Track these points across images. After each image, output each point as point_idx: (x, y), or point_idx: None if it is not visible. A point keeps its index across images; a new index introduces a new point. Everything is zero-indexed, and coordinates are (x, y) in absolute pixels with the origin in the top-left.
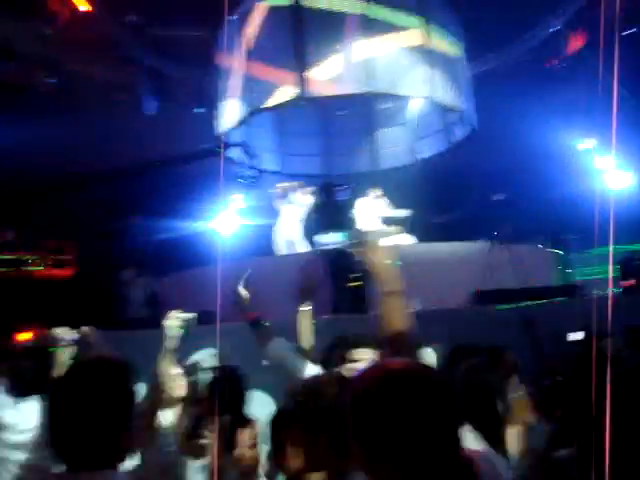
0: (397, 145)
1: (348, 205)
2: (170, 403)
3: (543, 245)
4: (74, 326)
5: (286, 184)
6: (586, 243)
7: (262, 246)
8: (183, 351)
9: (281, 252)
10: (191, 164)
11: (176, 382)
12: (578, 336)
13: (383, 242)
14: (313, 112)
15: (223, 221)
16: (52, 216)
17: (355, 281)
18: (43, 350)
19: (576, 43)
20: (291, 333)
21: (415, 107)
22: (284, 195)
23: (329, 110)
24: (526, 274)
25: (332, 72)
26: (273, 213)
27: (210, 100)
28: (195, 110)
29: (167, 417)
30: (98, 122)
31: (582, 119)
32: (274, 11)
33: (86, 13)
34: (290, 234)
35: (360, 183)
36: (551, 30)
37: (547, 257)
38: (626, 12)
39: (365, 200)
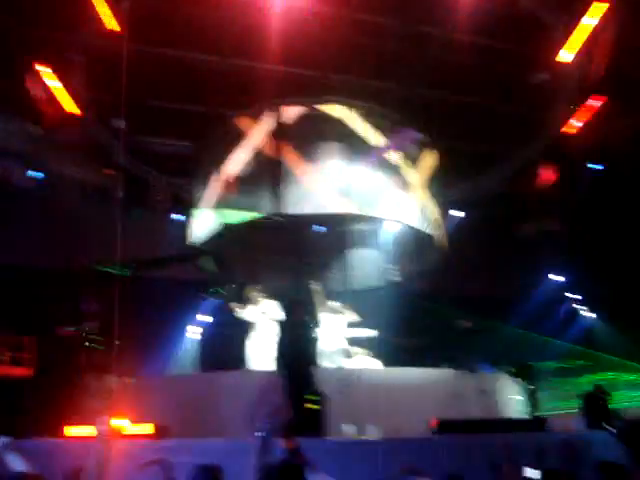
0: (369, 266)
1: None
2: None
3: (510, 374)
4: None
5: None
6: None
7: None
8: None
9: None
10: (162, 269)
11: None
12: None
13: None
14: (288, 228)
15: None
16: (12, 312)
17: (312, 403)
18: None
19: (547, 176)
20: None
21: (389, 229)
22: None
23: (303, 227)
24: (492, 404)
25: (308, 191)
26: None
27: (186, 208)
28: (171, 217)
29: None
30: (72, 221)
31: (553, 253)
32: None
33: (75, 116)
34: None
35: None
36: (522, 163)
37: (514, 387)
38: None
39: (330, 317)
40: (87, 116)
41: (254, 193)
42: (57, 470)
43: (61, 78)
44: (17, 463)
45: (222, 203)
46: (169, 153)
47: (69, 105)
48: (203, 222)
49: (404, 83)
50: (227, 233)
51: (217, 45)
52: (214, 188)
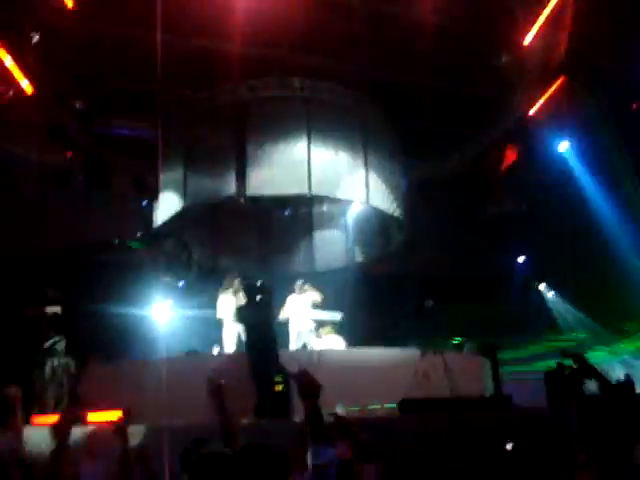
0: (333, 248)
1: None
2: None
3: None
4: None
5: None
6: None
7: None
8: None
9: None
10: (124, 253)
11: None
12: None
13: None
14: (252, 210)
15: (155, 311)
16: None
17: (279, 385)
18: None
19: (511, 157)
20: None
21: (353, 211)
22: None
23: (268, 209)
24: (457, 382)
25: (272, 173)
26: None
27: (150, 191)
28: (134, 201)
29: None
30: (32, 205)
31: (516, 232)
32: (219, 112)
33: (30, 95)
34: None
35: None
36: (486, 144)
37: (478, 365)
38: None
39: (295, 298)
40: (43, 95)
41: (218, 175)
42: None
43: (14, 55)
44: None
45: (186, 185)
46: (131, 136)
47: (23, 83)
48: (167, 205)
49: (367, 64)
50: (191, 216)
51: (178, 25)
52: (178, 171)
